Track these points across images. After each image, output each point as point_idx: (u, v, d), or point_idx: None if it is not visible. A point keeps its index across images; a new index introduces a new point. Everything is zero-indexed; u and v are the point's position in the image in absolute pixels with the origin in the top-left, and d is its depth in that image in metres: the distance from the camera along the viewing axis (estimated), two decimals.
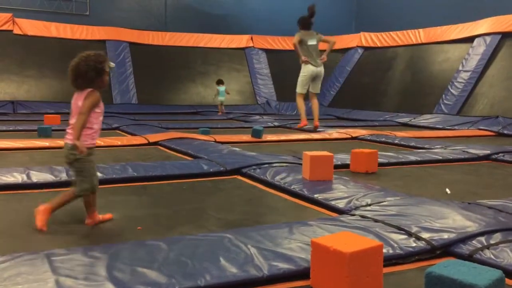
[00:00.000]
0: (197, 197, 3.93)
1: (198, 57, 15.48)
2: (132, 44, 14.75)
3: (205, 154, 5.66)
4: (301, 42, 8.99)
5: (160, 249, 2.40)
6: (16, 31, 13.55)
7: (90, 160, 2.99)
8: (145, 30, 15.13)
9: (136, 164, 4.85)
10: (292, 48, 15.94)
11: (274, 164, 4.87)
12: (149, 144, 6.95)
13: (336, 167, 5.22)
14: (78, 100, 2.94)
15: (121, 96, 13.86)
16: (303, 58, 9.08)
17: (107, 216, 3.18)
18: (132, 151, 6.35)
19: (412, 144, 7.32)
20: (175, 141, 6.85)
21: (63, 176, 4.17)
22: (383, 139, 7.89)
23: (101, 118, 3.07)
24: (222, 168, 4.86)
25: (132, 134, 8.11)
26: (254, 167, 4.83)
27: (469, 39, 12.52)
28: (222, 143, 6.93)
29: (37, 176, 4.12)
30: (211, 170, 4.81)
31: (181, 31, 15.47)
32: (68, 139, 2.95)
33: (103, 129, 8.83)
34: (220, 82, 13.90)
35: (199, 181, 4.51)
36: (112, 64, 3.03)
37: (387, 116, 12.62)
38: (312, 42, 8.97)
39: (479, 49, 12.11)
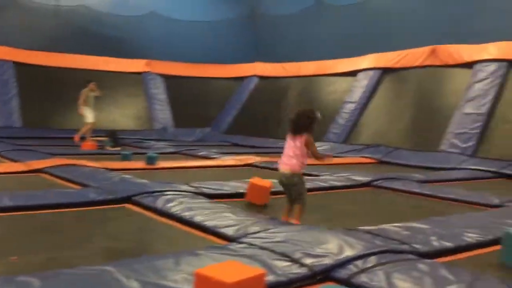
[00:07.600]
0: (83, 226, 3.74)
1: (93, 80, 14.88)
2: (18, 64, 13.85)
3: (95, 182, 5.43)
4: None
5: (32, 287, 2.23)
6: None
7: (304, 181, 4.13)
8: (34, 50, 14.27)
9: (15, 193, 4.51)
10: (191, 74, 16.06)
11: (166, 192, 4.80)
12: (32, 171, 6.51)
13: (230, 196, 5.29)
14: (296, 140, 4.12)
15: (5, 119, 12.87)
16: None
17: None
18: (13, 179, 5.91)
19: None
20: (62, 168, 6.48)
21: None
22: (276, 166, 8.09)
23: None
24: (111, 196, 4.69)
25: (13, 160, 7.54)
26: (145, 195, 4.72)
27: (354, 73, 13.46)
28: (114, 170, 6.69)
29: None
30: (99, 198, 4.62)
31: (75, 52, 14.82)
32: (286, 168, 4.09)
33: None
34: None
35: (87, 210, 4.30)
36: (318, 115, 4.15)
37: (281, 143, 12.95)
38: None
39: (363, 82, 13.06)
